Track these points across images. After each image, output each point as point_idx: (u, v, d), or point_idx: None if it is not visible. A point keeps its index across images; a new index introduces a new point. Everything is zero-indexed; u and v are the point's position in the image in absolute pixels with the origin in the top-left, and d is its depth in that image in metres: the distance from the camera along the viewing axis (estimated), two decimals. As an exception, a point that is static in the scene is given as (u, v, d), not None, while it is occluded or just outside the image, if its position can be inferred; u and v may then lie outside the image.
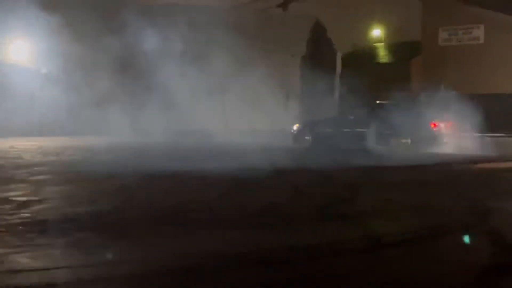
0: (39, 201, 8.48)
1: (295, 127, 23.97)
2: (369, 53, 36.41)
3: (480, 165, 15.22)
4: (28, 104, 22.85)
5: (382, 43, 37.61)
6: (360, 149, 18.64)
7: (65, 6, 22.60)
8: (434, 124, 20.14)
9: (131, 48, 24.72)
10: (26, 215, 7.35)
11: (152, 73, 24.84)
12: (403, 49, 33.89)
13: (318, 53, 29.86)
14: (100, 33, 23.86)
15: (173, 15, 28.20)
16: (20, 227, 6.59)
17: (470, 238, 6.58)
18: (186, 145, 19.31)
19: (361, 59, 34.54)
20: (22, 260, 5.19)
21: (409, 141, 19.93)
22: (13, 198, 8.71)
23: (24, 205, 8.12)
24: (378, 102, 22.56)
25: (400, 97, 22.71)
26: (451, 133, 20.13)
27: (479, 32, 29.63)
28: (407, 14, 33.20)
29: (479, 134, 19.58)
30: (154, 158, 15.51)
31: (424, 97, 21.22)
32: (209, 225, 6.78)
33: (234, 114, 29.68)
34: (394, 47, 35.44)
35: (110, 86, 24.25)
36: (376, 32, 38.69)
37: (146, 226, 6.75)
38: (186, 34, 28.47)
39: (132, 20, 25.69)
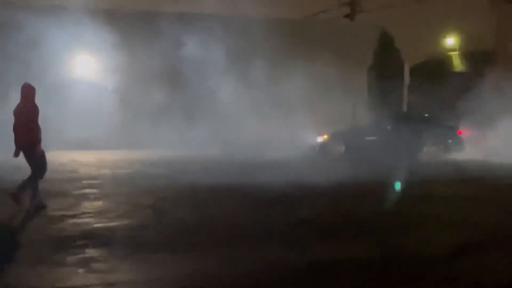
0: (72, 216, 8.69)
1: (320, 138, 23.35)
2: (443, 62, 35.59)
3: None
4: (94, 118, 23.48)
5: (456, 52, 36.71)
6: (397, 158, 18.17)
7: (125, 23, 23.10)
8: (460, 132, 21.38)
9: (192, 63, 25.08)
10: (54, 230, 7.62)
11: (217, 87, 25.08)
12: (477, 59, 32.95)
13: (385, 63, 29.37)
14: (161, 49, 24.27)
15: (238, 28, 28.41)
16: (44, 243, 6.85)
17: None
18: (243, 158, 19.22)
19: (433, 69, 33.80)
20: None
21: (441, 147, 20.58)
22: (50, 213, 8.99)
23: (55, 220, 8.38)
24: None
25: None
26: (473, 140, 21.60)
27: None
28: (481, 23, 32.37)
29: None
30: (206, 172, 15.60)
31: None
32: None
33: (299, 125, 29.53)
34: (468, 56, 34.51)
35: (172, 100, 24.62)
36: (450, 41, 37.83)
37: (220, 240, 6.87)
38: (253, 46, 28.69)
39: (196, 35, 26.14)
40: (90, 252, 6.47)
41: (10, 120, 9.52)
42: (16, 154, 9.35)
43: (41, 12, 21.49)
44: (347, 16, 33.41)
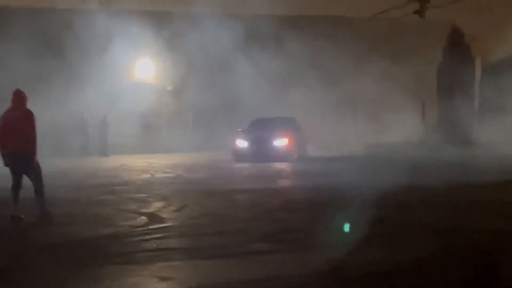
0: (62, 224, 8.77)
1: None
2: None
3: None
4: (154, 122, 23.95)
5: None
6: None
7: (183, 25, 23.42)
8: None
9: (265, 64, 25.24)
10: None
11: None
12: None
13: (455, 59, 28.59)
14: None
15: (306, 27, 28.36)
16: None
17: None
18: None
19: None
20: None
21: None
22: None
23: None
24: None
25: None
26: None
27: None
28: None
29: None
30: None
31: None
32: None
33: (366, 125, 29.29)
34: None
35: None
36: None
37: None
38: (321, 46, 28.58)
39: (260, 36, 26.30)
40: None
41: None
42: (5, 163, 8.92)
43: (103, 16, 22.08)
44: (416, 12, 32.63)
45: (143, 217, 9.09)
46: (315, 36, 28.20)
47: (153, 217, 9.10)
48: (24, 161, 8.89)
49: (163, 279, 5.57)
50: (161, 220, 8.91)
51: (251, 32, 26.72)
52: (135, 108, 24.12)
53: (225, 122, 24.41)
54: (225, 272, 5.86)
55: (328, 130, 27.35)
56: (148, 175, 16.77)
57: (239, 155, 20.32)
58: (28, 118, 8.89)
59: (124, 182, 14.99)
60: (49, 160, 12.63)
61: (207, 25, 24.32)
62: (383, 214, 8.73)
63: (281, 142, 20.24)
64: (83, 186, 13.91)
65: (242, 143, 20.53)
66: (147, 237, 7.56)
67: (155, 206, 10.35)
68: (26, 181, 9.07)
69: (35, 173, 8.96)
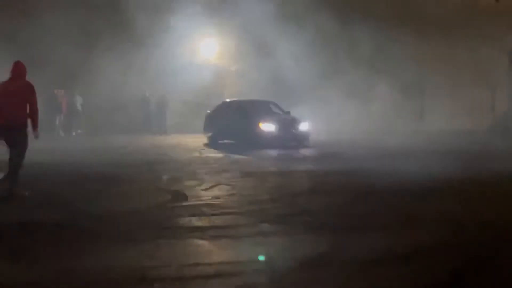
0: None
1: None
2: None
3: None
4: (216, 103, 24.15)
5: None
6: None
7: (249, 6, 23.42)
8: None
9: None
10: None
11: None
12: None
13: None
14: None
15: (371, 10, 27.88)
16: None
17: None
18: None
19: None
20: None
21: None
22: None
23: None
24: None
25: None
26: None
27: None
28: None
29: None
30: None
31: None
32: None
33: (432, 112, 28.62)
34: None
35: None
36: None
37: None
38: (387, 29, 28.04)
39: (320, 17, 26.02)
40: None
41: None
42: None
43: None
44: (492, -4, 31.49)
45: (168, 195, 9.27)
46: (381, 19, 27.65)
47: (179, 195, 9.26)
48: (16, 132, 8.79)
49: (150, 257, 5.66)
50: (185, 198, 9.07)
51: (318, 14, 26.46)
52: (197, 88, 24.37)
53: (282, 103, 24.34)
54: (215, 253, 5.92)
55: (392, 116, 26.90)
56: (197, 154, 17.03)
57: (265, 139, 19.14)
58: (33, 91, 8.90)
59: (168, 160, 15.27)
60: (108, 136, 13.07)
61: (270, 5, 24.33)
62: (400, 202, 8.63)
63: (304, 126, 19.87)
64: (123, 164, 14.21)
65: (269, 127, 19.46)
66: (164, 214, 7.74)
67: (187, 184, 10.52)
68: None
69: (21, 147, 8.85)
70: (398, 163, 13.93)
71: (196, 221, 7.37)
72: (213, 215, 7.74)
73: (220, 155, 16.92)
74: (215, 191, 9.82)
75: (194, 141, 21.08)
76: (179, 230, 6.86)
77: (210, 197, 9.19)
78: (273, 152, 17.67)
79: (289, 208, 8.27)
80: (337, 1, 27.46)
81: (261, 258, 5.71)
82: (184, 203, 8.68)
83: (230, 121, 19.88)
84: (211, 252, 5.95)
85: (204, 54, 26.18)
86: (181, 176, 11.63)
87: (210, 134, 20.52)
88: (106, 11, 23.90)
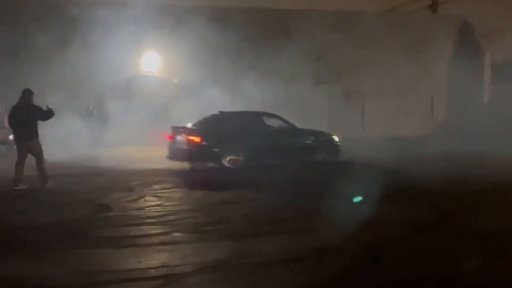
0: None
1: None
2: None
3: None
4: (162, 114, 24.34)
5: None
6: None
7: (193, 18, 23.77)
8: None
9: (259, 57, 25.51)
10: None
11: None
12: None
13: (465, 55, 28.41)
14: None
15: (314, 22, 28.44)
16: None
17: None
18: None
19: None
20: None
21: None
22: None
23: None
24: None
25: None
26: None
27: None
28: None
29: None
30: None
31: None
32: None
33: (373, 119, 29.32)
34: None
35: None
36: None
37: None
38: (330, 40, 28.63)
39: (261, 29, 26.52)
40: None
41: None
42: None
43: (107, 8, 22.52)
44: (429, 7, 32.64)
45: (94, 207, 9.56)
46: (324, 31, 28.26)
47: (104, 207, 9.55)
48: None
49: (55, 265, 5.96)
50: (109, 209, 9.37)
51: (258, 26, 27.03)
52: (142, 101, 24.55)
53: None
54: (120, 261, 6.26)
55: (334, 123, 27.44)
56: (135, 166, 17.14)
57: None
58: None
59: (104, 172, 15.37)
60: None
61: (213, 18, 24.67)
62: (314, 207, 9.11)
63: None
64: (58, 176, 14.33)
65: None
66: (83, 225, 8.03)
67: (116, 196, 10.78)
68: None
69: None
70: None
71: (111, 232, 7.67)
72: (130, 225, 8.06)
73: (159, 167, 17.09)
74: (141, 203, 10.11)
75: (137, 153, 21.23)
76: (92, 240, 7.17)
77: (133, 209, 9.49)
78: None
79: (208, 217, 8.64)
80: (276, 13, 28.07)
81: (164, 264, 6.06)
82: (107, 214, 8.98)
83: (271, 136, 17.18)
84: (116, 260, 6.28)
85: (146, 67, 26.40)
86: (113, 188, 11.88)
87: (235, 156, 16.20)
88: (54, 23, 23.92)
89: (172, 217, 8.64)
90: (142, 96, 24.67)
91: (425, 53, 29.26)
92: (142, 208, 9.51)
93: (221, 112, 17.19)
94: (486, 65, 29.45)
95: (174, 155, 16.23)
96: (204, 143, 15.69)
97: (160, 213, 8.99)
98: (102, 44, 22.72)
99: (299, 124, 18.03)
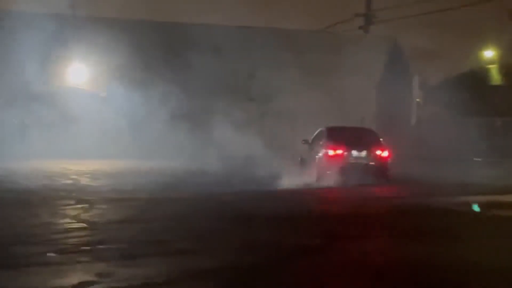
0: None
1: None
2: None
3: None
4: (89, 127, 23.84)
5: (494, 65, 35.26)
6: None
7: (123, 30, 23.42)
8: None
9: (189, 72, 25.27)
10: None
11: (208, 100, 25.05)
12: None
13: (395, 76, 28.78)
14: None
15: (247, 38, 28.36)
16: None
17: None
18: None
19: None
20: None
21: None
22: None
23: None
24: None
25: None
26: None
27: None
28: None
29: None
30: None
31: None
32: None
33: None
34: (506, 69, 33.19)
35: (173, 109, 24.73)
36: (488, 53, 36.21)
37: None
38: (261, 57, 28.64)
39: (194, 44, 26.32)
40: None
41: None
42: None
43: (34, 19, 21.99)
44: (361, 27, 32.99)
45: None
46: (255, 48, 28.26)
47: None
48: None
49: None
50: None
51: (188, 41, 26.78)
52: (68, 114, 24.00)
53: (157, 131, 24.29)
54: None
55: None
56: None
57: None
58: None
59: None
60: None
61: (142, 31, 24.40)
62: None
63: None
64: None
65: None
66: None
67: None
68: None
69: None
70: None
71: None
72: (11, 244, 7.60)
73: (71, 181, 16.61)
74: (31, 219, 9.66)
75: (53, 168, 20.67)
76: None
77: (21, 226, 9.04)
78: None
79: (94, 237, 8.27)
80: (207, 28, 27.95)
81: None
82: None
83: None
84: None
85: (71, 79, 25.87)
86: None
87: None
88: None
89: (57, 236, 8.23)
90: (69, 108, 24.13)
91: (356, 74, 29.53)
92: (31, 226, 9.06)
93: None
94: (414, 87, 29.91)
95: None
96: None
97: (46, 232, 8.57)
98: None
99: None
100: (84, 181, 16.45)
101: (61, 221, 9.62)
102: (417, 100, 30.13)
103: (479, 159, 24.68)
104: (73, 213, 10.61)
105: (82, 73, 25.91)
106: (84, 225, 9.31)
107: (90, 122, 24.06)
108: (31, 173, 17.88)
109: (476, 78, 31.95)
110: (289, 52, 29.25)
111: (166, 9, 27.57)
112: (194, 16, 29.80)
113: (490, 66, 33.75)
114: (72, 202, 12.00)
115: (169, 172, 19.34)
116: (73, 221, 9.68)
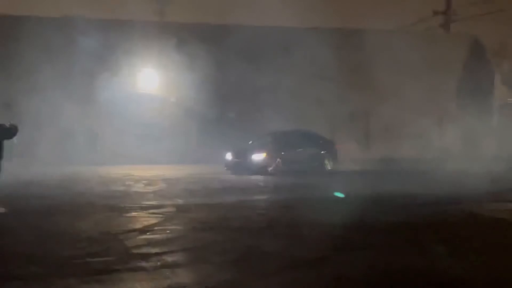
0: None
1: None
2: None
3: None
4: (159, 133, 24.05)
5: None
6: None
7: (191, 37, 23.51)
8: None
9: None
10: None
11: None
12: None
13: (476, 74, 27.59)
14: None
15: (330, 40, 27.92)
16: None
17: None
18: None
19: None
20: None
21: None
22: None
23: None
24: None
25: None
26: None
27: None
28: None
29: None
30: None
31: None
32: None
33: (380, 140, 28.66)
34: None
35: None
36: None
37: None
38: (338, 58, 28.17)
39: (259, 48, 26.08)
40: None
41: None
42: None
43: (107, 26, 22.39)
44: (441, 26, 31.90)
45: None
46: (331, 48, 27.79)
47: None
48: None
49: None
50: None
51: (260, 44, 26.62)
52: (139, 119, 24.33)
53: (231, 134, 24.31)
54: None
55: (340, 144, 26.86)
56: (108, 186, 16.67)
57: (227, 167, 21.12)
58: None
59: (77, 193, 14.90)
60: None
61: (212, 36, 24.41)
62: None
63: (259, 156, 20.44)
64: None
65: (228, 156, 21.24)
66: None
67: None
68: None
69: None
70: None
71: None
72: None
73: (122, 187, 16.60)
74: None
75: (121, 173, 20.87)
76: None
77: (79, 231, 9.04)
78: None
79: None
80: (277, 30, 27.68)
81: None
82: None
83: None
84: None
85: (144, 85, 26.17)
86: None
87: None
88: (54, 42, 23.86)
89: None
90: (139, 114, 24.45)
91: (436, 72, 28.57)
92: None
93: None
94: (496, 85, 28.62)
95: None
96: None
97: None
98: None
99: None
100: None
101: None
102: (509, 100, 28.71)
103: None
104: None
105: (152, 79, 26.15)
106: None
107: (162, 128, 24.27)
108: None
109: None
110: (362, 51, 28.56)
111: (236, 12, 27.17)
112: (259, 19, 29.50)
113: None
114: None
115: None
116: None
